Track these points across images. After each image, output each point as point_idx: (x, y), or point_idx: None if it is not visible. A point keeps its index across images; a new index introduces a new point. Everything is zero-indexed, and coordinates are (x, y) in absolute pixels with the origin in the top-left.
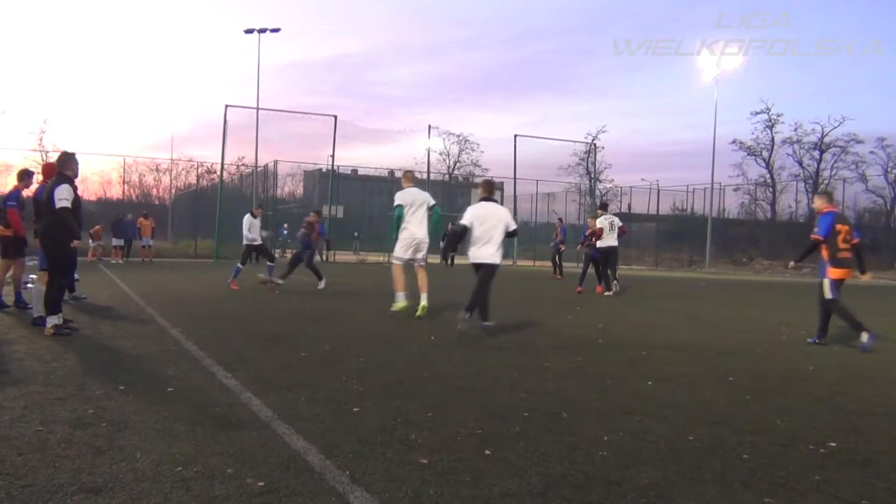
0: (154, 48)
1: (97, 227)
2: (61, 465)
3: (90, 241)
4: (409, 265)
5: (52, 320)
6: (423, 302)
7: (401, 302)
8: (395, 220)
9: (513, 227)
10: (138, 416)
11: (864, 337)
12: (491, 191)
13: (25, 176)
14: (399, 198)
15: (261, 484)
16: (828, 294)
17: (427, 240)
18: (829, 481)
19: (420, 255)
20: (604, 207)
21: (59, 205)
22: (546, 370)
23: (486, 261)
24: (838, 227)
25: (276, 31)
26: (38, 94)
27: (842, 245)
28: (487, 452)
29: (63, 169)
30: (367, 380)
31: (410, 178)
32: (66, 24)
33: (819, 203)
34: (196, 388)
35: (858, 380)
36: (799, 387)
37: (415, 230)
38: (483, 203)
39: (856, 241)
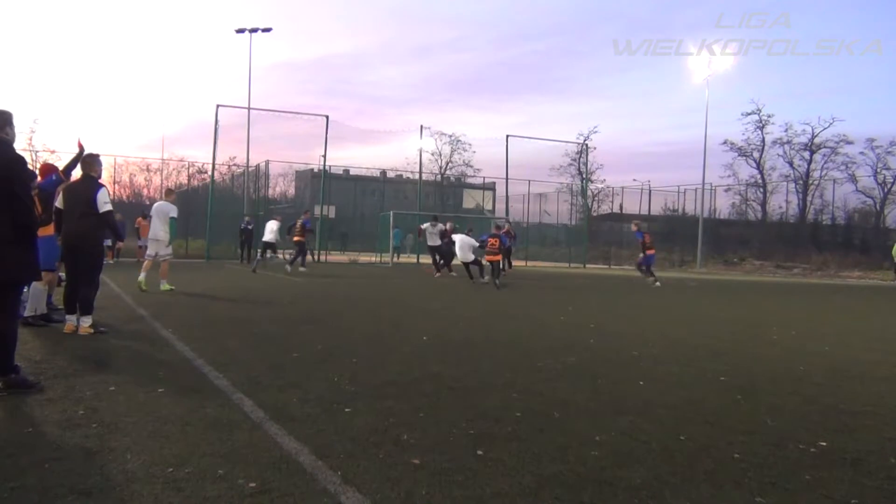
0: (145, 47)
1: None
2: (51, 467)
3: None
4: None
5: (88, 320)
6: (164, 286)
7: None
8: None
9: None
10: (129, 416)
11: (487, 279)
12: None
13: None
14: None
15: (252, 485)
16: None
17: (166, 239)
18: (819, 480)
19: (160, 252)
20: (434, 219)
21: (104, 209)
22: (538, 370)
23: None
24: (490, 240)
25: (267, 30)
26: (28, 93)
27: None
28: (479, 452)
29: (90, 171)
30: (359, 380)
31: (169, 192)
32: (56, 24)
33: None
34: (187, 389)
35: (848, 380)
36: (789, 387)
37: (155, 232)
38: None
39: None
